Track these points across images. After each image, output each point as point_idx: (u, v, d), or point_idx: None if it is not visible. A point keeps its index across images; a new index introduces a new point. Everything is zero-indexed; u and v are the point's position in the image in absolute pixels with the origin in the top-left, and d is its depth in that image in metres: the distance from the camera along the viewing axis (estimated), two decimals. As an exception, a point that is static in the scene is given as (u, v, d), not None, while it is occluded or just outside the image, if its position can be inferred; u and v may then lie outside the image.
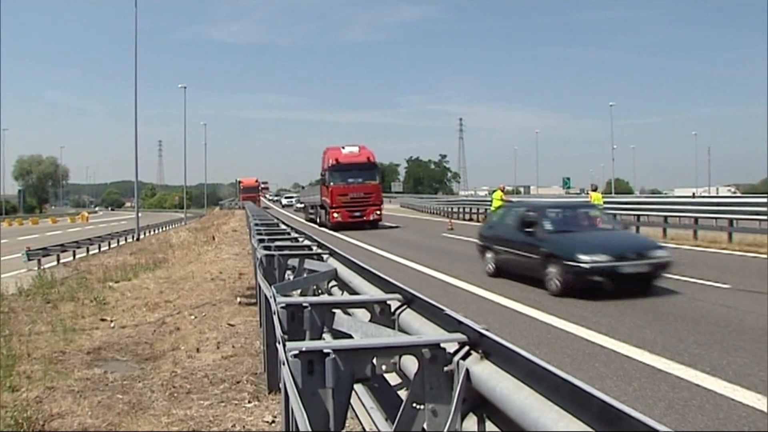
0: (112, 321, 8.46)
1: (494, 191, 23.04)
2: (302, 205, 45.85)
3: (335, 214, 25.42)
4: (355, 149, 26.77)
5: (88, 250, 22.27)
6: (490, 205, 22.43)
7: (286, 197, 79.05)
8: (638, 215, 19.45)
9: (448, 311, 2.24)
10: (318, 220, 29.36)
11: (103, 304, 9.95)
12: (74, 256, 20.59)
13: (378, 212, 25.98)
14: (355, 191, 25.65)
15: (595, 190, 19.32)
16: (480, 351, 1.92)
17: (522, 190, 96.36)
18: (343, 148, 26.78)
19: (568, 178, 46.22)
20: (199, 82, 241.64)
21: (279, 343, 2.41)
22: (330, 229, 24.95)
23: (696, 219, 17.09)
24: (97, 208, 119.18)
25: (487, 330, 1.93)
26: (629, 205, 21.14)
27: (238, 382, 5.18)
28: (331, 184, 25.77)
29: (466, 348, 1.98)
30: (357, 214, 25.40)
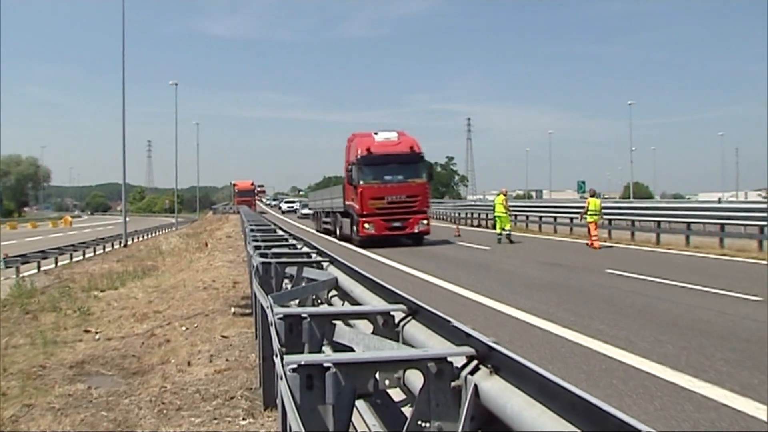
0: (96, 333, 8.48)
1: (498, 195, 23.18)
2: (309, 212, 41.27)
3: (366, 225, 20.04)
4: (393, 135, 21.20)
5: (71, 257, 22.29)
6: (493, 210, 22.55)
7: (287, 201, 76.07)
8: (659, 222, 19.43)
9: (456, 323, 2.25)
10: (337, 232, 24.13)
11: (87, 315, 9.98)
12: (56, 263, 20.60)
13: (425, 222, 20.53)
14: (393, 193, 20.18)
15: (593, 195, 19.72)
16: (489, 365, 1.93)
17: (534, 194, 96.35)
18: (376, 134, 21.19)
19: (583, 182, 46.05)
20: (192, 79, 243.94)
21: (276, 356, 2.42)
22: (357, 245, 20.35)
23: (722, 226, 17.05)
24: (81, 212, 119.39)
25: (496, 343, 1.94)
26: (649, 211, 21.13)
27: (231, 398, 5.19)
28: (361, 182, 20.11)
29: (475, 362, 1.99)
30: (396, 224, 20.12)
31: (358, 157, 20.40)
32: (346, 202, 21.92)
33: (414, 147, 20.74)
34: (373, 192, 20.18)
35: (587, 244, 18.09)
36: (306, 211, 48.44)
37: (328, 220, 26.99)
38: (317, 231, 29.40)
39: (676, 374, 5.48)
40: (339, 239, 23.35)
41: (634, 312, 8.50)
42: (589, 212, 18.66)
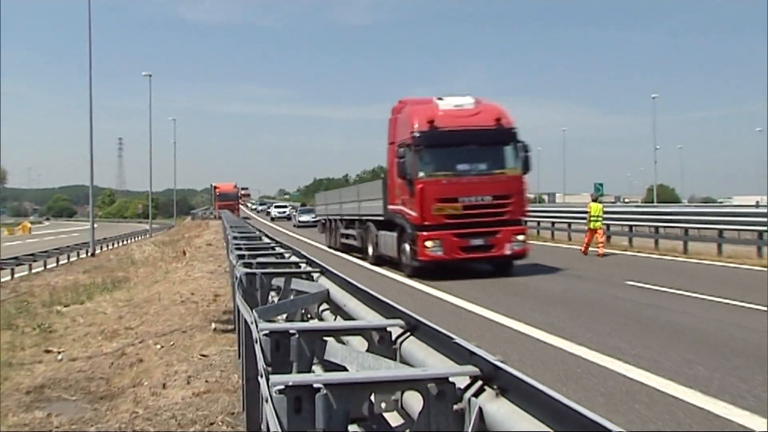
0: (59, 352, 8.46)
1: None
2: (311, 219, 38.81)
3: (430, 243, 14.20)
4: (468, 101, 15.26)
5: (30, 268, 22.22)
6: None
7: (277, 206, 73.82)
8: (686, 228, 19.51)
9: (458, 340, 2.28)
10: (369, 251, 18.47)
11: (48, 333, 9.96)
12: (12, 274, 20.53)
13: (521, 238, 14.74)
14: (473, 192, 14.47)
15: (595, 200, 20.42)
16: (495, 387, 1.95)
17: (546, 197, 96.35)
18: (441, 99, 15.45)
19: (601, 184, 46.19)
20: (168, 70, 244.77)
21: (261, 376, 2.44)
22: (411, 273, 14.84)
23: (760, 233, 17.11)
24: (42, 218, 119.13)
25: (503, 362, 1.96)
26: (675, 216, 21.19)
27: (211, 424, 5.20)
28: (421, 175, 14.40)
29: (479, 383, 2.01)
30: (477, 241, 14.36)
31: (416, 134, 14.52)
32: (391, 206, 16.11)
33: (501, 119, 14.88)
34: (440, 190, 14.38)
35: (598, 254, 18.59)
36: (306, 218, 44.82)
37: (350, 232, 21.25)
38: (330, 248, 24.04)
39: (707, 399, 5.48)
40: (372, 262, 17.86)
41: (658, 328, 8.53)
42: (591, 218, 19.25)
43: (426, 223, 14.35)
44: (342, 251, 22.03)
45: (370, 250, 18.33)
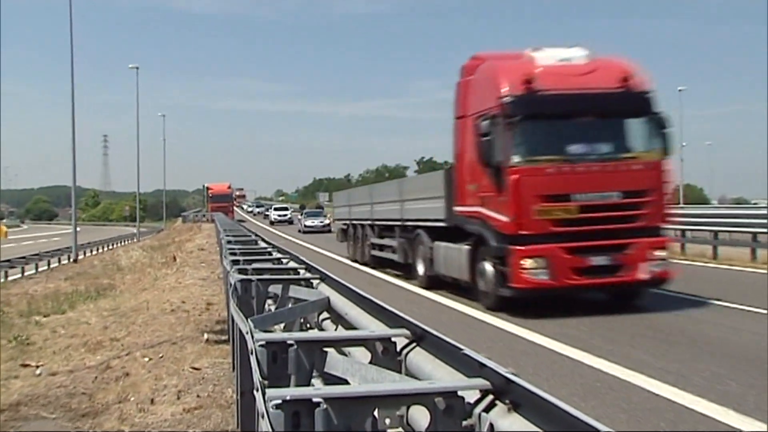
0: (38, 366, 8.45)
1: None
2: (321, 223, 37.66)
3: (529, 262, 10.41)
4: (578, 54, 11.50)
5: (6, 275, 22.29)
6: None
7: (277, 209, 71.12)
8: (716, 231, 19.45)
9: (468, 351, 2.29)
10: (419, 269, 14.59)
11: (26, 345, 9.96)
12: (-15, 283, 20.61)
13: (661, 253, 10.89)
14: (592, 186, 10.73)
15: None
16: (507, 401, 1.96)
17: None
18: (538, 50, 11.69)
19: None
20: (157, 63, 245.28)
21: (257, 390, 2.46)
22: (491, 306, 11.04)
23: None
24: (20, 221, 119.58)
25: (516, 375, 1.97)
26: (704, 219, 21.11)
27: (203, 443, 5.22)
28: (515, 160, 10.61)
29: (490, 397, 2.03)
30: (600, 260, 10.59)
31: (507, 99, 10.77)
32: (459, 208, 12.48)
33: (629, 79, 11.12)
34: (545, 183, 10.61)
35: None
36: (313, 222, 41.90)
37: (386, 242, 17.44)
38: (355, 261, 20.57)
39: (742, 419, 5.45)
40: (424, 285, 14.16)
41: (685, 340, 8.52)
42: None
43: (523, 231, 10.52)
44: (372, 266, 18.56)
45: (421, 269, 14.46)
